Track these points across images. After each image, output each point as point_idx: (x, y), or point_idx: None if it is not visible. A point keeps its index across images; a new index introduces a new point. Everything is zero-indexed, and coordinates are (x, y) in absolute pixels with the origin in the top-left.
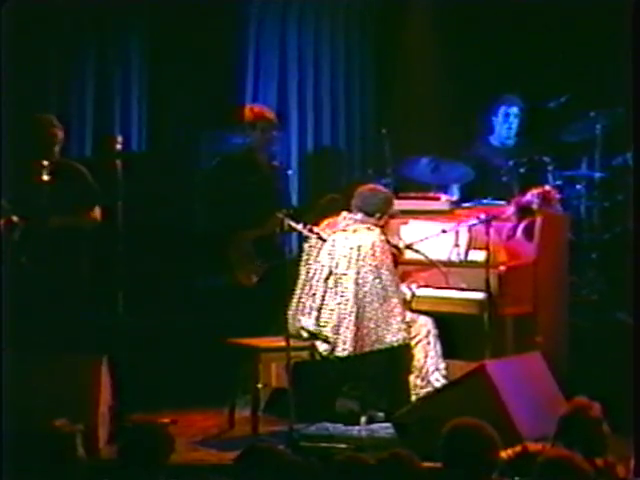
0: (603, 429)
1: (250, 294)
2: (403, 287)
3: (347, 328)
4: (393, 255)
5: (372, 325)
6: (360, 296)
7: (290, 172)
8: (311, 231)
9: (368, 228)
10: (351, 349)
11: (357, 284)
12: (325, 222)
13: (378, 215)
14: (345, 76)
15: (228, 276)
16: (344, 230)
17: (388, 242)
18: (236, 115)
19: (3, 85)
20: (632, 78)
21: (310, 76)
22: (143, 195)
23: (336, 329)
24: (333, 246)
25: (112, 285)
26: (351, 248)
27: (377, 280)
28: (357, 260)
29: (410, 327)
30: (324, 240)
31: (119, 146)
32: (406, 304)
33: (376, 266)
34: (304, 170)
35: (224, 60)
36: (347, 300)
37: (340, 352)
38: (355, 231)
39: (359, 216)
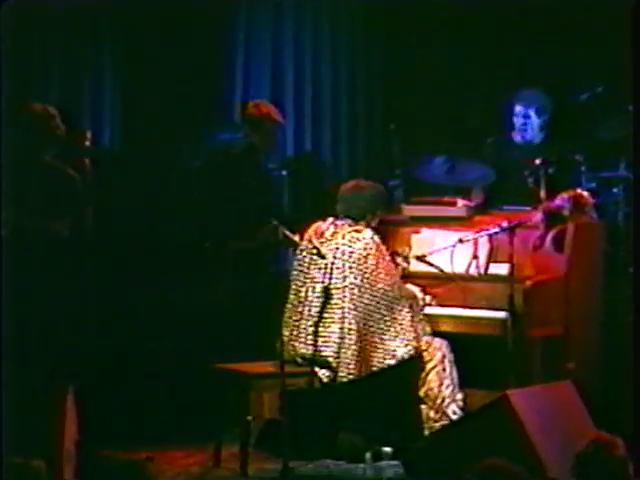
0: (628, 470)
1: (237, 314)
2: (413, 288)
3: (349, 348)
4: (391, 256)
5: (377, 339)
6: (360, 308)
7: (284, 173)
8: (310, 243)
9: (356, 230)
10: (355, 371)
11: (355, 295)
12: (311, 228)
13: (369, 217)
14: (347, 67)
15: (210, 293)
16: (332, 238)
17: (383, 242)
18: (243, 111)
19: (3, 85)
20: None
21: (308, 70)
22: (115, 199)
23: (337, 351)
24: (324, 258)
25: (79, 302)
26: (342, 256)
27: (377, 286)
28: (351, 268)
29: (423, 346)
30: (323, 257)
31: (88, 142)
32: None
33: (373, 271)
34: (299, 174)
35: (212, 51)
36: (346, 316)
37: (343, 376)
38: (344, 236)
39: (347, 221)
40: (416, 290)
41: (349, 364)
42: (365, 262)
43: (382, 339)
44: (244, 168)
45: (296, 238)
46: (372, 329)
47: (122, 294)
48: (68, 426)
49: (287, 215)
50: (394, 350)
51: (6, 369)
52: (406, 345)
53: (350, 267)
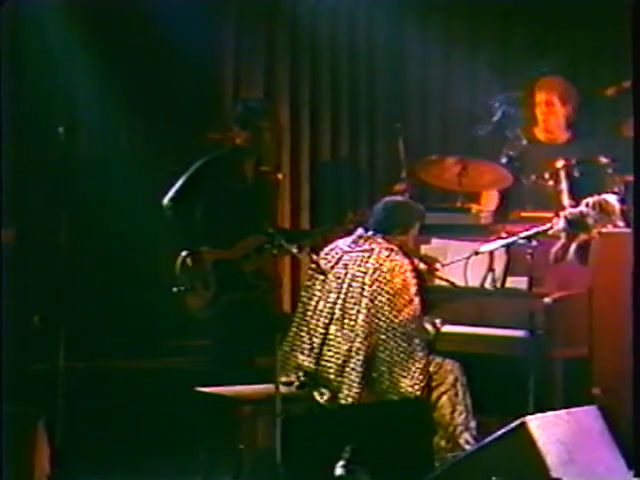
0: None
1: (226, 331)
2: (425, 323)
3: (354, 369)
4: (418, 285)
5: (384, 368)
6: (373, 331)
7: (280, 176)
8: (310, 259)
9: (388, 249)
10: (357, 396)
11: (370, 316)
12: (338, 241)
13: (399, 230)
14: (348, 59)
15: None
16: (360, 251)
17: (414, 269)
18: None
19: (3, 85)
20: None
21: (306, 62)
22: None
23: (340, 370)
24: (345, 268)
25: (48, 322)
26: (365, 272)
27: (395, 313)
28: (372, 286)
29: (433, 368)
30: (324, 274)
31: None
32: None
33: (395, 295)
34: (297, 178)
35: (201, 46)
36: (356, 335)
37: (343, 399)
38: (372, 251)
39: (378, 235)
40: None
41: (350, 387)
42: (390, 283)
43: (391, 370)
44: (227, 172)
45: (294, 249)
46: (381, 356)
47: (97, 308)
48: (39, 459)
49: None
50: (401, 387)
51: None
52: (414, 385)
53: (371, 284)
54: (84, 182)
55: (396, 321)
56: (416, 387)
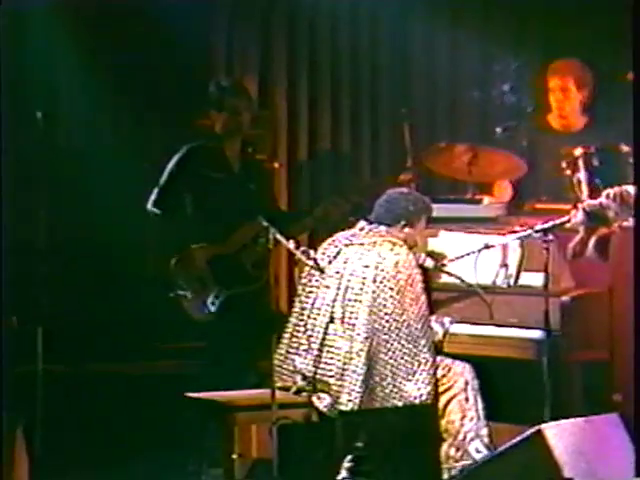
0: None
1: (215, 331)
2: (432, 323)
3: (354, 372)
4: (425, 282)
5: (388, 372)
6: (375, 331)
7: (276, 165)
8: (306, 255)
9: (392, 242)
10: (358, 401)
11: (372, 314)
12: (338, 234)
13: (402, 222)
14: (349, 40)
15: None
16: (361, 244)
17: (420, 265)
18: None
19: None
20: None
21: (305, 43)
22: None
23: (340, 373)
24: (345, 262)
25: (26, 322)
26: (367, 266)
27: (399, 311)
28: (374, 282)
29: (442, 371)
30: (321, 271)
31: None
32: (437, 347)
33: (399, 292)
34: (296, 165)
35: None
36: (357, 334)
37: (344, 405)
38: (374, 244)
39: (381, 228)
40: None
41: (351, 392)
42: (394, 279)
43: (394, 374)
44: (207, 162)
45: (291, 244)
46: (384, 358)
47: (80, 308)
48: (17, 471)
49: (283, 215)
50: (405, 392)
51: None
52: (420, 390)
53: (374, 281)
54: (67, 174)
55: (400, 320)
56: (422, 392)
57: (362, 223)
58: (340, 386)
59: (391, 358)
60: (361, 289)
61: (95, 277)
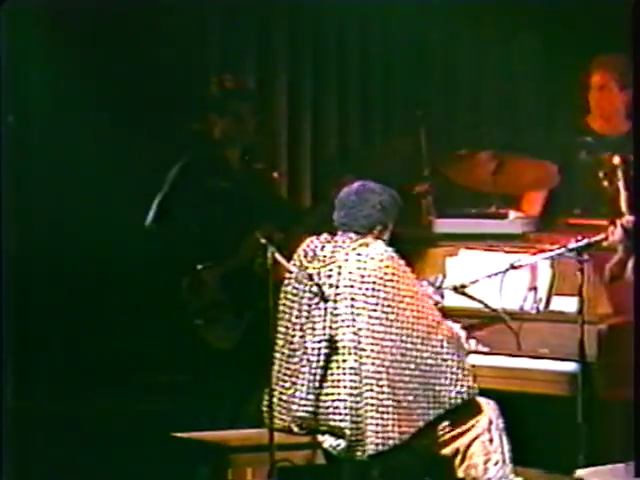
0: None
1: (213, 360)
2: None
3: (370, 410)
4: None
5: (412, 385)
6: (383, 351)
7: (276, 174)
8: (310, 279)
9: (363, 244)
10: (381, 441)
11: (374, 333)
12: (300, 249)
13: (379, 228)
14: (359, 34)
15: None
16: (331, 260)
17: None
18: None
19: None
20: None
21: (309, 36)
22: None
23: (352, 413)
24: (326, 301)
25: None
26: (349, 283)
27: (404, 315)
28: (365, 296)
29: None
30: (325, 299)
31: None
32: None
33: (395, 295)
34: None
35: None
36: (363, 362)
37: (370, 449)
38: (347, 255)
39: (349, 236)
40: (456, 328)
41: (376, 433)
42: (383, 285)
43: (423, 384)
44: (208, 171)
45: (292, 266)
46: (403, 373)
47: (59, 337)
48: None
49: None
50: (440, 395)
51: None
52: (455, 385)
53: (364, 295)
54: (51, 183)
55: (407, 325)
56: (456, 393)
57: (325, 236)
58: (356, 431)
59: (409, 364)
60: (350, 313)
61: (80, 300)
